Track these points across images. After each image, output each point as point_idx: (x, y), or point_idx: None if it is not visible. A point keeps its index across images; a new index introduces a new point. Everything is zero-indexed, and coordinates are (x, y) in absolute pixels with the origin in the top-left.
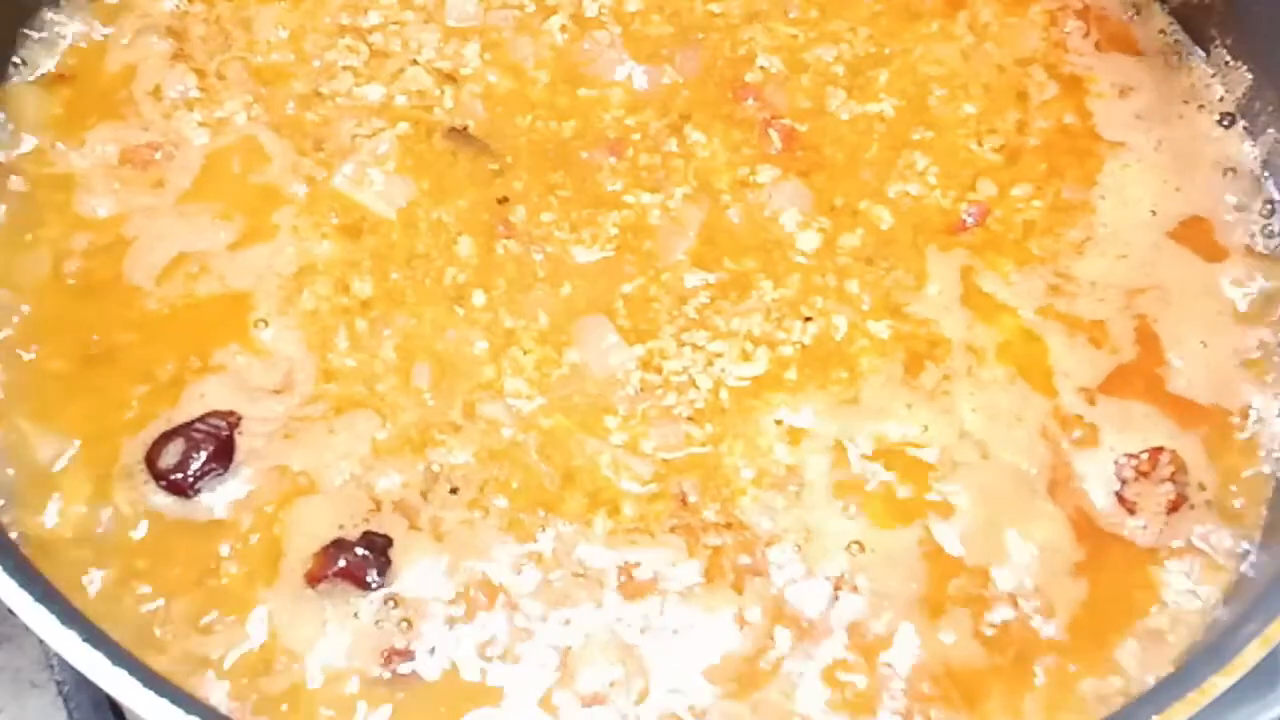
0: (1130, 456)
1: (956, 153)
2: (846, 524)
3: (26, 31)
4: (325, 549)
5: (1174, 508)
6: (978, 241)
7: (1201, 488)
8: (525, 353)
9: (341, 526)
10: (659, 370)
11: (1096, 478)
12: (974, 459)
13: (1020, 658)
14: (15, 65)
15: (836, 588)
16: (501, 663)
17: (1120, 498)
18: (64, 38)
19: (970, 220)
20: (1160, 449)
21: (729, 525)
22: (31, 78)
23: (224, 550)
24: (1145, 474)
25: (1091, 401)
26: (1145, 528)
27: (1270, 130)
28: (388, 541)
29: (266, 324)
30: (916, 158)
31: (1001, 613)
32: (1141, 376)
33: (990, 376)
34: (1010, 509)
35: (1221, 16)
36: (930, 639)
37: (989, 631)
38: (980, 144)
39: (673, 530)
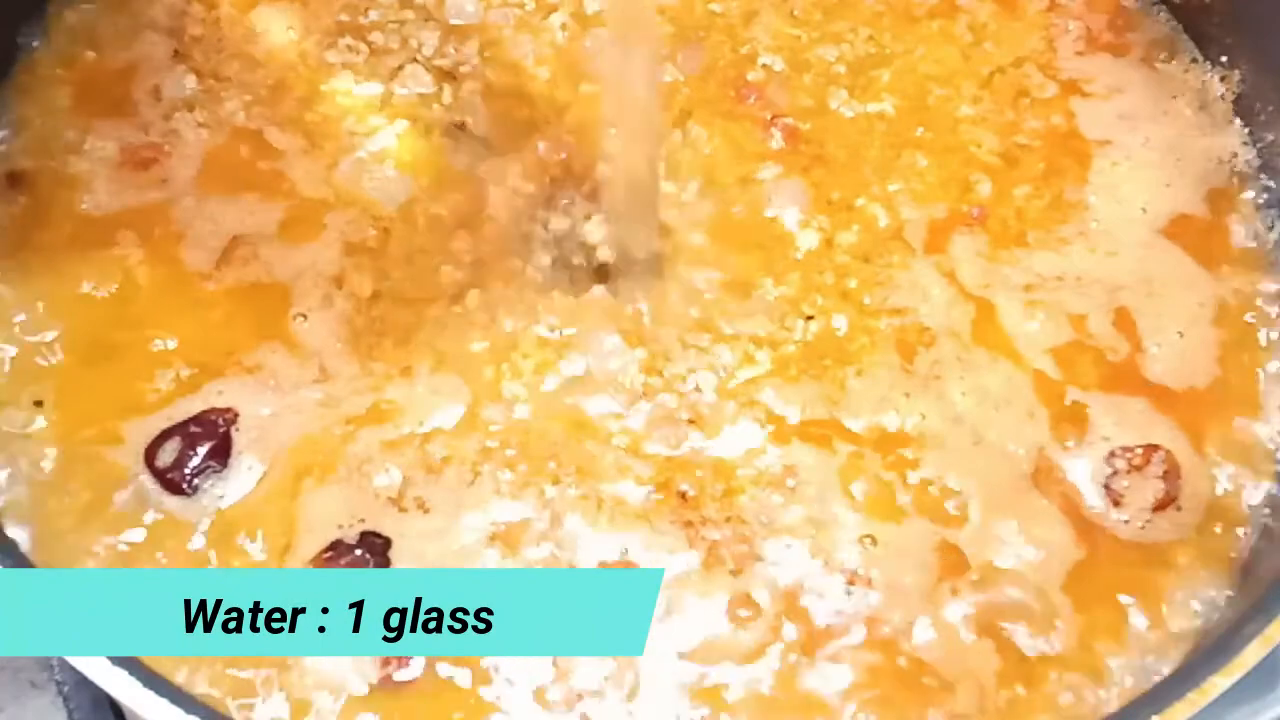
0: (1125, 450)
1: (956, 152)
2: (853, 517)
3: (27, 30)
4: (324, 553)
5: (1161, 506)
6: (976, 239)
7: (1192, 487)
8: (525, 356)
9: (340, 527)
10: (660, 373)
11: (1084, 468)
12: (968, 446)
13: (1022, 653)
14: (16, 63)
15: (850, 582)
16: (496, 660)
17: (1107, 488)
18: (64, 37)
19: (973, 216)
20: (1156, 447)
21: (728, 519)
22: (32, 76)
23: (223, 549)
24: (1138, 468)
25: (1084, 392)
26: (1128, 522)
27: (1269, 133)
28: (386, 543)
29: (305, 318)
30: (918, 157)
31: (1004, 606)
32: (1128, 369)
33: (986, 369)
34: (1009, 499)
35: (1221, 16)
36: (942, 631)
37: (993, 625)
38: (979, 145)
39: (672, 524)
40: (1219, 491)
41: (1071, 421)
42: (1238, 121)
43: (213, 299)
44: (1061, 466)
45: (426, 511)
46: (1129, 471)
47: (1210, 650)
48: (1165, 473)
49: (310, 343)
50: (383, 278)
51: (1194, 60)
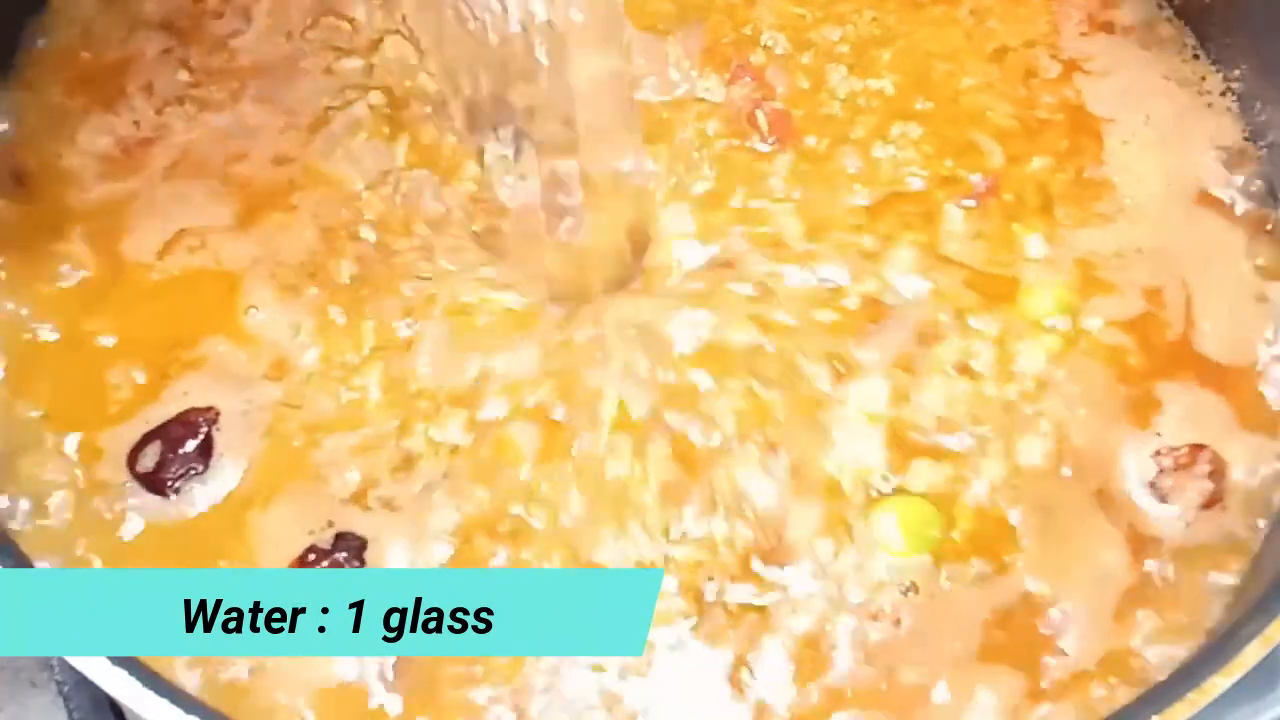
0: (1171, 449)
1: (960, 124)
2: (889, 560)
3: (27, 27)
4: (302, 558)
5: (1208, 505)
6: (994, 215)
7: (1237, 485)
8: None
9: (311, 532)
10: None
11: (1134, 465)
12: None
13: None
14: (16, 60)
15: (874, 617)
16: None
17: (1153, 485)
18: (62, 33)
19: (980, 190)
20: (1201, 446)
21: (733, 575)
22: (31, 73)
23: (208, 549)
24: (1184, 467)
25: (1143, 379)
26: (1178, 518)
27: (1270, 132)
28: (362, 543)
29: (257, 309)
30: (918, 128)
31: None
32: (1182, 348)
33: (1041, 359)
34: (1070, 522)
35: (1221, 16)
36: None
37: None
38: (993, 110)
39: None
40: (1253, 484)
41: (1136, 411)
42: (1243, 122)
43: (160, 290)
44: (1120, 464)
45: (395, 510)
46: (1175, 470)
47: (1210, 650)
48: (1211, 472)
49: (269, 335)
50: (357, 262)
51: (1195, 55)
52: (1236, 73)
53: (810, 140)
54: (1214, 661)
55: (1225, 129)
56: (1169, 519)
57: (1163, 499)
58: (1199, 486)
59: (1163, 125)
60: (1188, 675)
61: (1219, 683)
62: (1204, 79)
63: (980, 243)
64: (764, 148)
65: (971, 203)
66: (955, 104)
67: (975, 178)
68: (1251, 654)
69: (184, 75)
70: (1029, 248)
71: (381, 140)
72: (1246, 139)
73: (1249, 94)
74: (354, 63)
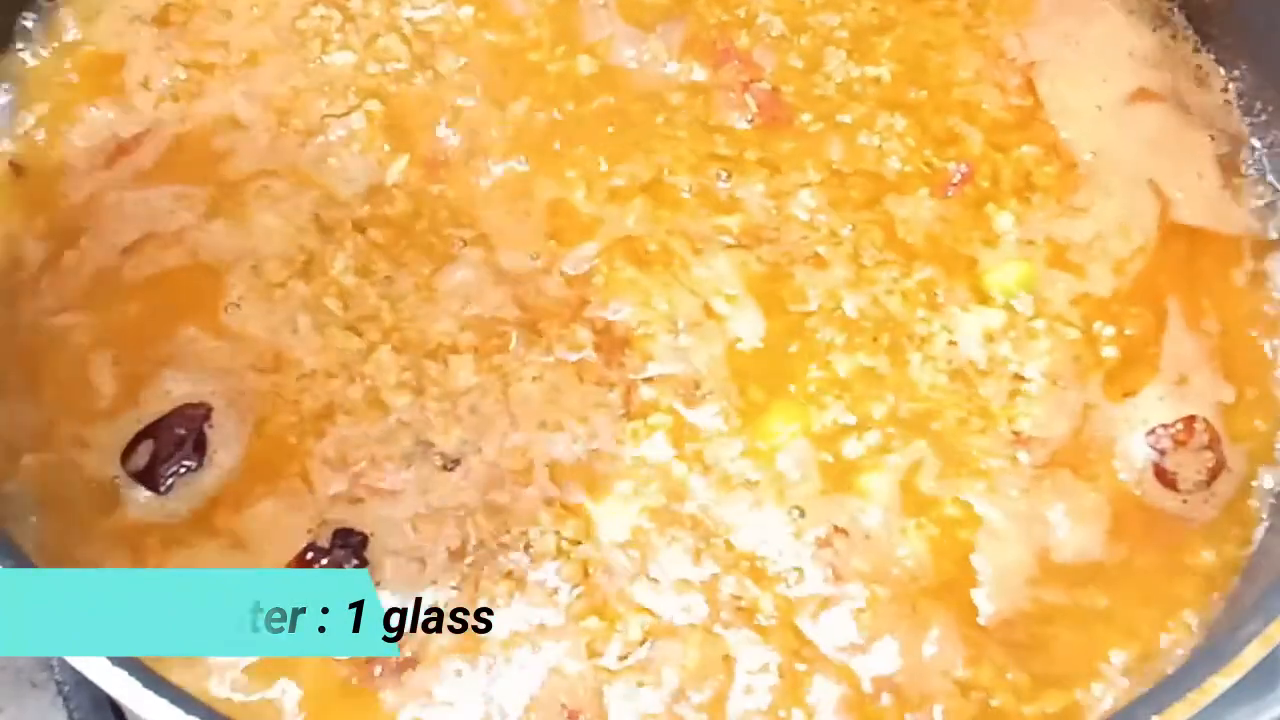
0: (1165, 427)
1: (950, 112)
2: None
3: (24, 17)
4: (300, 556)
5: (1214, 474)
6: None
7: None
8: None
9: (310, 531)
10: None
11: (1133, 447)
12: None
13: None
14: (15, 53)
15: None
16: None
17: (1158, 469)
18: (61, 26)
19: (954, 182)
20: (1194, 417)
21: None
22: (30, 66)
23: (204, 544)
24: (1182, 443)
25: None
26: (1185, 501)
27: (1274, 131)
28: (363, 540)
29: (239, 307)
30: (912, 117)
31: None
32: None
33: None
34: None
35: (1221, 16)
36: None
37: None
38: (990, 102)
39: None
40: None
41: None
42: (1245, 122)
43: (147, 286)
44: (1115, 443)
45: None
46: (1175, 448)
47: (1210, 650)
48: (1210, 441)
49: (257, 332)
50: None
51: (1195, 49)
52: (1236, 72)
53: (805, 117)
54: (1214, 661)
55: (1143, 38)
56: (1181, 501)
57: (1170, 481)
58: (1202, 459)
59: (1092, 42)
60: (1188, 675)
61: (1219, 683)
62: (1201, 66)
63: (944, 224)
64: (743, 125)
65: (950, 192)
66: (947, 94)
67: (952, 165)
68: (1251, 654)
69: (179, 71)
70: (998, 225)
71: (377, 153)
72: (1251, 136)
73: (1249, 94)
74: (346, 57)
